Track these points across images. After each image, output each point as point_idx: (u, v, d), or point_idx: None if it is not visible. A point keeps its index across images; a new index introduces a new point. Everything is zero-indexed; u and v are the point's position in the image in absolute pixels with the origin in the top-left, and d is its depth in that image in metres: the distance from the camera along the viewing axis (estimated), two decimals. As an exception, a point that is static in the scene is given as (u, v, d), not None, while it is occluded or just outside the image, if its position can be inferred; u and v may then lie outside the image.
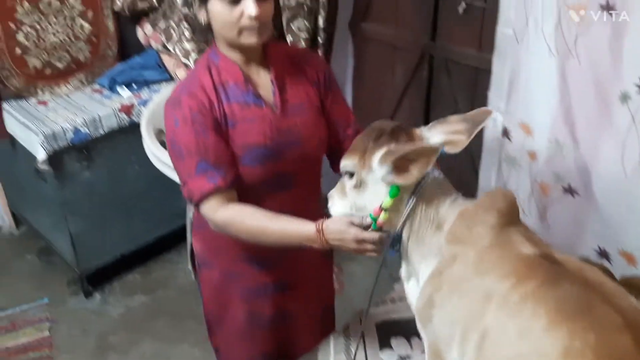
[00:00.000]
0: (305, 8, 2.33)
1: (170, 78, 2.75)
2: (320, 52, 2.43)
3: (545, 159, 1.77)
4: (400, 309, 1.60)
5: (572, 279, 0.97)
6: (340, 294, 2.57)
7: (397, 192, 1.12)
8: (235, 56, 1.31)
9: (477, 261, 1.05)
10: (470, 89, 2.27)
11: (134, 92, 2.62)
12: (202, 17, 1.28)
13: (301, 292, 1.55)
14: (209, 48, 1.36)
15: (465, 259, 1.06)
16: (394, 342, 1.50)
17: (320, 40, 2.41)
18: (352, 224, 1.17)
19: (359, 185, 1.18)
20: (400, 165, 1.09)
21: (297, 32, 2.39)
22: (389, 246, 1.17)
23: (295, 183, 1.39)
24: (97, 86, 2.71)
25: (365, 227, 1.17)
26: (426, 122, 2.49)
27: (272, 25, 1.30)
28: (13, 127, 2.46)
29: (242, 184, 1.30)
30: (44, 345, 2.42)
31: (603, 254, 1.73)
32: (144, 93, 2.63)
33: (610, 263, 1.71)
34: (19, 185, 2.80)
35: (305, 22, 2.36)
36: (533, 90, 1.75)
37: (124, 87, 2.63)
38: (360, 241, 1.16)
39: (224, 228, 1.29)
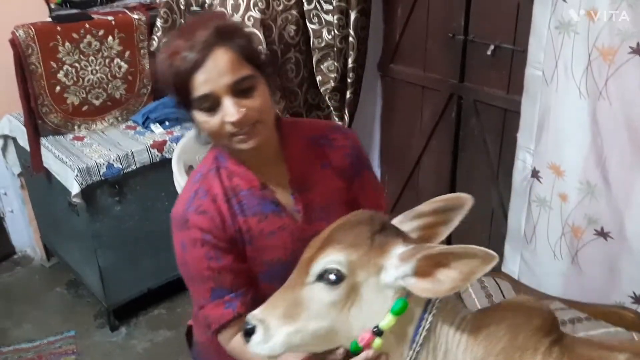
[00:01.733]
0: (335, 49, 2.37)
1: (201, 116, 2.81)
2: (349, 93, 2.47)
3: (577, 200, 1.74)
4: None
5: None
6: None
7: (405, 307, 0.84)
8: (244, 157, 1.10)
9: None
10: (499, 130, 2.27)
11: (166, 129, 2.68)
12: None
13: None
14: (213, 146, 1.15)
15: None
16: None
17: (349, 80, 2.44)
18: None
19: (346, 297, 0.85)
20: (422, 270, 0.83)
21: (326, 73, 2.43)
22: None
23: None
24: (131, 123, 2.79)
25: None
26: (454, 163, 2.50)
27: (272, 115, 1.06)
28: (49, 161, 2.53)
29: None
30: (68, 379, 2.43)
31: (638, 300, 1.68)
32: (176, 130, 2.69)
33: (646, 310, 1.66)
34: (52, 219, 2.86)
35: (334, 62, 2.41)
36: (563, 131, 1.74)
37: (157, 124, 2.70)
38: None
39: (233, 356, 1.15)
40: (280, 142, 1.13)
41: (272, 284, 1.06)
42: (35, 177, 2.68)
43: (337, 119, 2.61)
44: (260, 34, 2.26)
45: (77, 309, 2.85)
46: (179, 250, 1.11)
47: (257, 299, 1.09)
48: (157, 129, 2.67)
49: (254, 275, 1.12)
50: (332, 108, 2.58)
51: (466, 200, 0.95)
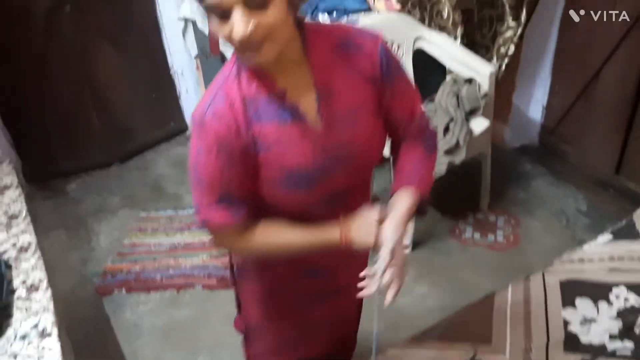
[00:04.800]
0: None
1: (368, 9, 2.76)
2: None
3: None
4: (588, 270, 1.52)
5: None
6: (516, 247, 2.50)
7: None
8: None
9: None
10: None
11: (332, 19, 2.69)
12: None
13: (351, 292, 1.25)
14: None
15: None
16: (578, 301, 1.43)
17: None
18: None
19: None
20: None
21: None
22: None
23: (348, 198, 1.18)
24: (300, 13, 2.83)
25: None
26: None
27: (286, 31, 0.99)
28: (225, 46, 2.67)
29: (283, 207, 1.14)
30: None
31: None
32: (343, 21, 2.68)
33: None
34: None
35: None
36: None
37: (325, 13, 2.71)
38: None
39: (247, 253, 1.23)
40: (304, 47, 1.06)
41: (299, 190, 1.10)
42: (211, 59, 2.86)
43: (510, 19, 2.43)
44: None
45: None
46: (194, 155, 1.07)
47: (277, 207, 1.12)
48: (323, 18, 2.69)
49: (275, 181, 1.09)
50: (507, 6, 2.40)
51: None
